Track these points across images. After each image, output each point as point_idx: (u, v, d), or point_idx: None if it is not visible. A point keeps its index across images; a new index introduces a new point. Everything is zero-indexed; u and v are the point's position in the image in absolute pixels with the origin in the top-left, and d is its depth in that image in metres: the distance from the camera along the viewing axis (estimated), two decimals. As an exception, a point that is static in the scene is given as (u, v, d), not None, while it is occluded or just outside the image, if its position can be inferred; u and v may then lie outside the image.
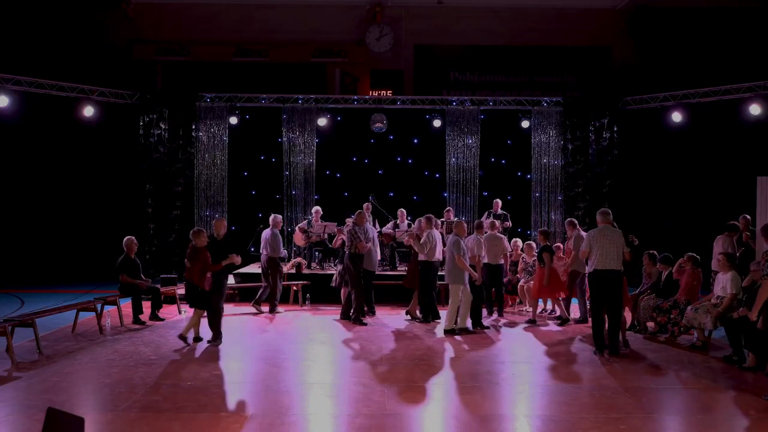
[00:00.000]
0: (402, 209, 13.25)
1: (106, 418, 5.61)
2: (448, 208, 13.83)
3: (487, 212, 13.36)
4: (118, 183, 15.00)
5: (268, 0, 15.93)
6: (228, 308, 11.31)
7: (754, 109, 13.16)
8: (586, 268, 8.58)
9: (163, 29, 15.87)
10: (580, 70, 16.12)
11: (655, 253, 9.45)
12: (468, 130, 15.23)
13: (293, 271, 12.24)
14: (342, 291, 10.76)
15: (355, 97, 15.40)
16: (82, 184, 14.92)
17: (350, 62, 15.95)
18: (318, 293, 11.76)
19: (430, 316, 10.11)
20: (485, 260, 10.04)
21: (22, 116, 13.86)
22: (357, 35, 16.10)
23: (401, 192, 15.48)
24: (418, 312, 10.31)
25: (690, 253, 8.93)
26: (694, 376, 7.06)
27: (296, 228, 13.19)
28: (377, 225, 12.77)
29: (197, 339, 8.45)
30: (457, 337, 8.99)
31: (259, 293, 11.06)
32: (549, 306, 10.97)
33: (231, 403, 6.22)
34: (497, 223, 11.22)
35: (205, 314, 8.46)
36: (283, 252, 11.37)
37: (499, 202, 13.53)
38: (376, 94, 15.64)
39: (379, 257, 11.10)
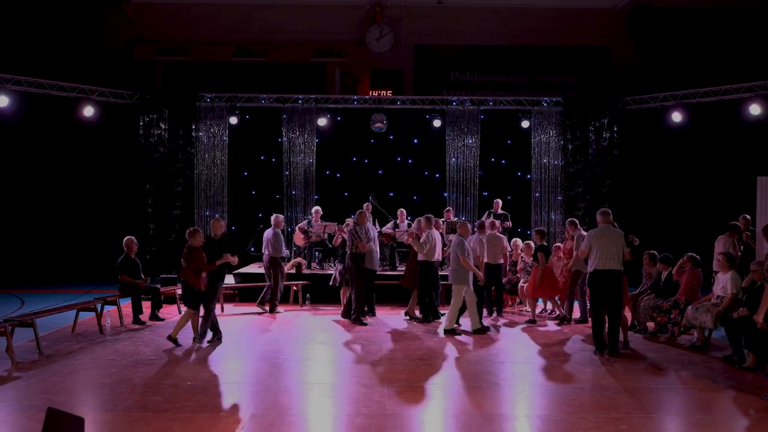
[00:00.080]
0: (402, 209, 13.25)
1: (106, 418, 5.61)
2: (448, 208, 13.84)
3: (487, 212, 13.36)
4: (118, 183, 15.00)
5: (268, 0, 15.93)
6: (228, 308, 11.35)
7: (754, 109, 13.16)
8: (587, 267, 8.58)
9: (163, 29, 15.87)
10: (580, 70, 16.12)
11: (656, 253, 9.45)
12: (468, 130, 15.23)
13: (293, 271, 12.24)
14: (342, 290, 10.77)
15: (355, 97, 15.40)
16: (82, 184, 14.91)
17: (350, 62, 15.95)
18: (318, 293, 11.76)
19: (430, 315, 10.11)
20: (485, 260, 10.07)
21: (22, 116, 13.86)
22: (357, 35, 16.10)
23: (401, 192, 15.48)
24: (417, 312, 10.31)
25: (690, 253, 8.93)
26: (694, 376, 7.06)
27: (296, 228, 13.18)
28: (377, 225, 12.76)
29: (171, 338, 8.30)
30: (457, 337, 8.99)
31: (263, 293, 11.07)
32: (549, 306, 10.97)
33: (231, 403, 6.22)
34: (497, 223, 11.23)
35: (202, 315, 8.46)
36: (285, 252, 11.38)
37: (500, 202, 13.53)
38: (376, 94, 15.64)
39: (378, 257, 11.09)
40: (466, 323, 9.78)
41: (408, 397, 6.31)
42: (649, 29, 15.76)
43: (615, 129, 14.88)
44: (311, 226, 12.75)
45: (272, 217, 11.32)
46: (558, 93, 15.52)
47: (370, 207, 12.85)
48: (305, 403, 6.26)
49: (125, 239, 10.19)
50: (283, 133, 15.18)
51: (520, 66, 16.14)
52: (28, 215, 14.63)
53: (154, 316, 10.13)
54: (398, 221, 13.00)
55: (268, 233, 11.07)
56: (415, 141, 15.93)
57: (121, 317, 9.76)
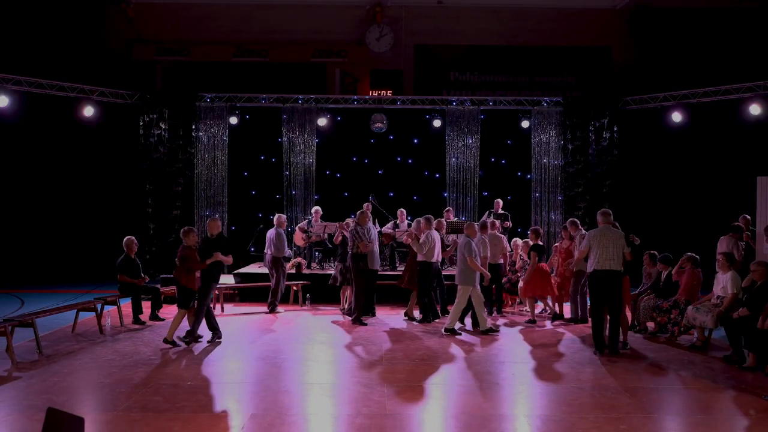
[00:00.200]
0: (402, 209, 13.25)
1: (106, 418, 5.61)
2: (448, 208, 13.83)
3: (488, 212, 13.36)
4: (118, 183, 15.00)
5: (268, 0, 15.93)
6: (228, 308, 11.35)
7: (754, 109, 13.16)
8: (587, 267, 8.57)
9: (163, 29, 15.88)
10: (580, 70, 16.13)
11: (656, 253, 9.45)
12: (468, 130, 15.23)
13: (293, 271, 12.24)
14: (342, 290, 10.76)
15: (355, 97, 15.41)
16: (82, 184, 14.92)
17: (350, 62, 15.95)
18: (318, 293, 11.76)
19: (430, 316, 10.11)
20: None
21: (22, 116, 13.86)
22: (357, 35, 16.11)
23: (401, 192, 15.48)
24: (416, 313, 10.31)
25: (689, 253, 8.93)
26: (694, 376, 7.06)
27: (296, 228, 13.18)
28: (377, 225, 12.76)
29: (167, 341, 8.29)
30: (457, 337, 8.98)
31: (270, 298, 11.06)
32: (550, 305, 10.96)
33: (231, 403, 6.22)
34: (497, 222, 11.25)
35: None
36: (288, 252, 11.39)
37: (500, 202, 13.53)
38: (376, 94, 15.65)
39: (378, 257, 11.09)
40: (466, 323, 9.80)
41: (408, 397, 6.32)
42: (649, 29, 15.76)
43: (615, 129, 14.88)
44: (311, 226, 12.75)
45: (275, 217, 11.34)
46: (558, 93, 15.52)
47: (370, 207, 12.84)
48: (305, 403, 6.25)
49: (125, 239, 10.19)
50: (283, 133, 15.18)
51: (520, 66, 16.14)
52: (28, 215, 14.64)
53: (154, 316, 10.13)
54: (398, 221, 13.00)
55: (270, 233, 11.08)
56: (415, 141, 15.93)
57: (121, 317, 9.76)
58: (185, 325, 8.48)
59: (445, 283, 10.67)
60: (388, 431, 5.39)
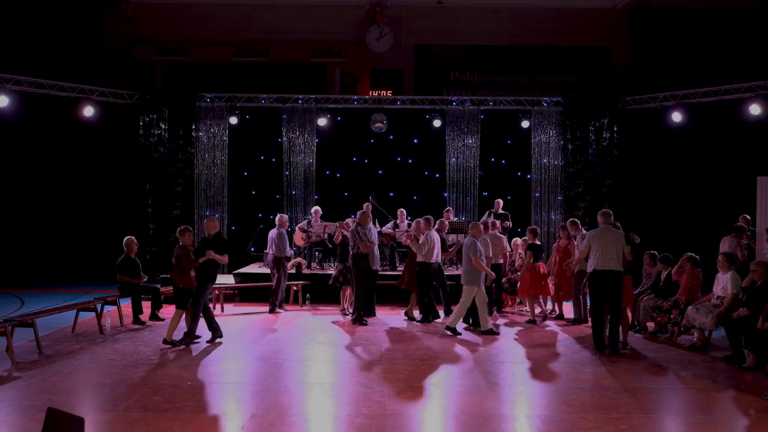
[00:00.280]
0: (402, 209, 13.24)
1: (106, 418, 5.61)
2: (448, 208, 13.83)
3: (488, 212, 13.35)
4: (118, 183, 15.00)
5: (268, 0, 15.93)
6: (228, 308, 11.35)
7: (754, 109, 13.15)
8: (587, 267, 8.57)
9: (163, 29, 15.88)
10: (580, 70, 16.13)
11: (656, 253, 9.45)
12: (468, 130, 15.23)
13: (293, 271, 12.25)
14: (342, 290, 10.76)
15: (355, 97, 15.40)
16: (82, 184, 14.92)
17: (350, 62, 15.95)
18: (318, 293, 11.76)
19: (430, 316, 10.12)
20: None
21: (22, 116, 13.86)
22: (357, 35, 16.11)
23: (401, 192, 15.48)
24: (416, 313, 10.32)
25: (689, 253, 8.93)
26: (694, 376, 7.06)
27: (296, 228, 13.19)
28: (377, 225, 12.76)
29: (166, 341, 8.29)
30: (457, 337, 8.98)
31: (271, 298, 11.07)
32: (549, 306, 10.97)
33: (231, 403, 6.22)
34: (497, 222, 11.25)
35: (201, 315, 8.43)
36: (290, 251, 11.40)
37: (501, 201, 13.52)
38: (376, 94, 15.64)
39: (378, 257, 11.10)
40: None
41: (408, 397, 6.32)
42: (649, 29, 15.76)
43: (615, 129, 14.88)
44: (311, 226, 12.75)
45: (277, 217, 11.36)
46: (558, 93, 15.52)
47: (370, 207, 12.84)
48: (305, 403, 6.25)
49: (125, 239, 10.19)
50: (283, 133, 15.18)
51: (520, 66, 16.15)
52: (28, 215, 14.64)
53: (154, 316, 10.13)
54: (398, 221, 13.00)
55: (272, 233, 11.09)
56: (415, 141, 15.93)
57: (121, 317, 9.76)
58: (185, 326, 8.47)
59: (448, 283, 10.68)
60: (388, 431, 5.39)
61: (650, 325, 9.33)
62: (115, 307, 9.91)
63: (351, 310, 10.38)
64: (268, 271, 12.05)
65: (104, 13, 15.74)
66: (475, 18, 16.04)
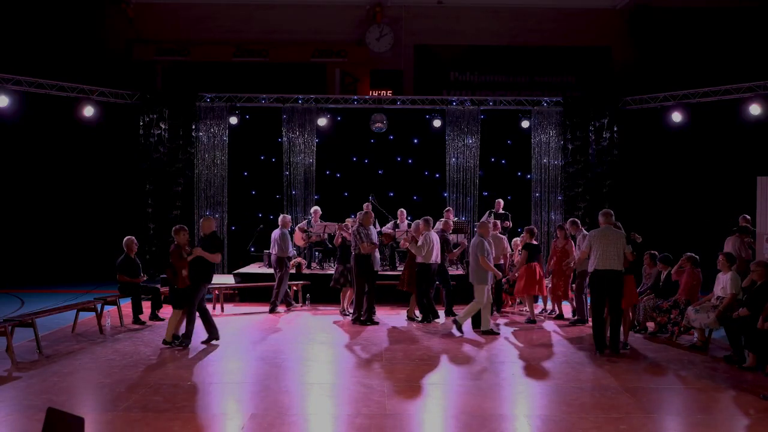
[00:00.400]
0: (402, 209, 13.24)
1: (106, 418, 5.61)
2: (448, 208, 13.81)
3: (488, 211, 13.35)
4: (118, 183, 15.00)
5: (268, 0, 15.93)
6: (228, 308, 11.35)
7: (754, 109, 13.15)
8: (588, 267, 8.57)
9: (163, 29, 15.87)
10: (580, 70, 16.13)
11: (656, 253, 9.46)
12: (468, 130, 15.23)
13: (293, 271, 12.25)
14: (342, 291, 10.75)
15: (355, 97, 15.40)
16: (82, 184, 14.92)
17: (350, 62, 15.95)
18: (318, 293, 11.76)
19: (430, 316, 10.13)
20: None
21: (22, 116, 13.86)
22: (357, 35, 16.11)
23: (401, 192, 15.47)
24: (416, 313, 10.33)
25: (689, 253, 8.94)
26: (694, 376, 7.06)
27: (296, 228, 13.19)
28: (377, 225, 12.76)
29: (166, 342, 8.27)
30: (457, 337, 8.99)
31: (272, 298, 11.07)
32: (549, 306, 10.98)
33: (231, 403, 6.22)
34: (497, 223, 11.25)
35: (198, 315, 8.40)
36: (292, 251, 11.40)
37: (501, 201, 13.52)
38: (376, 94, 15.64)
39: (378, 257, 11.11)
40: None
41: (408, 397, 6.32)
42: (649, 29, 15.76)
43: (615, 129, 14.87)
44: (311, 226, 12.75)
45: (280, 218, 11.41)
46: (558, 93, 15.52)
47: (370, 207, 12.85)
48: (305, 403, 6.26)
49: (125, 239, 10.19)
50: (283, 133, 15.18)
51: (520, 66, 16.14)
52: (28, 215, 14.64)
53: (154, 316, 10.14)
54: (398, 221, 13.00)
55: (275, 233, 11.12)
56: (415, 141, 15.92)
57: (121, 317, 9.76)
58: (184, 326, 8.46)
59: (452, 283, 10.68)
60: (388, 431, 5.39)
61: (650, 325, 9.33)
62: (115, 307, 9.92)
63: (351, 311, 10.39)
64: (267, 271, 12.08)
65: (104, 13, 15.74)
66: (475, 18, 16.04)
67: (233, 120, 15.12)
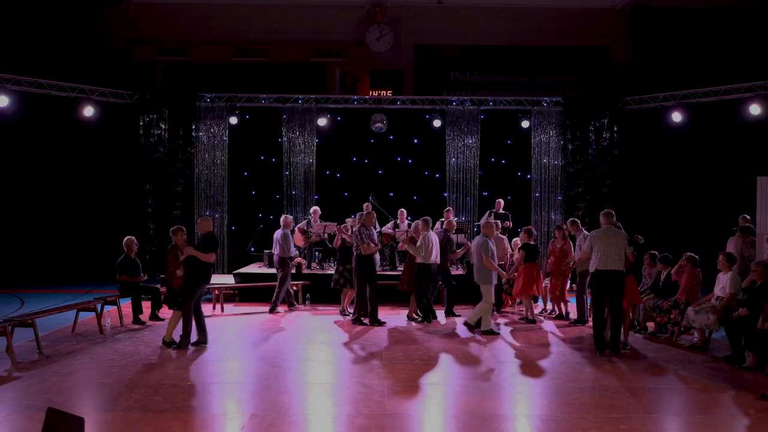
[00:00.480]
0: (402, 209, 13.24)
1: (106, 418, 5.61)
2: (448, 208, 13.81)
3: (488, 211, 13.36)
4: (118, 183, 15.00)
5: (268, 0, 15.93)
6: (228, 308, 11.35)
7: (754, 109, 13.15)
8: (589, 267, 8.57)
9: (163, 29, 15.87)
10: (580, 70, 16.13)
11: (656, 253, 9.46)
12: (468, 130, 15.23)
13: (293, 271, 12.25)
14: (343, 292, 10.74)
15: (355, 97, 15.40)
16: (82, 184, 14.91)
17: (350, 62, 15.95)
18: (318, 293, 11.76)
19: (430, 316, 10.13)
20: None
21: (22, 116, 13.85)
22: (357, 35, 16.10)
23: (401, 192, 15.47)
24: (416, 313, 10.32)
25: (689, 253, 8.94)
26: (694, 376, 7.06)
27: (296, 229, 13.19)
28: (377, 225, 12.76)
29: (165, 342, 8.26)
30: (457, 337, 8.99)
31: (273, 297, 11.07)
32: (549, 306, 10.98)
33: (231, 403, 6.22)
34: (498, 223, 11.25)
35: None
36: (294, 252, 11.40)
37: (501, 201, 13.52)
38: (376, 94, 15.64)
39: (378, 257, 11.12)
40: (462, 322, 9.79)
41: (408, 397, 6.32)
42: (649, 29, 15.76)
43: (615, 129, 14.87)
44: (310, 227, 12.76)
45: (282, 218, 11.42)
46: (558, 93, 15.52)
47: (370, 207, 12.86)
48: (305, 403, 6.26)
49: (125, 239, 10.19)
50: (283, 133, 15.17)
51: (520, 66, 16.14)
52: (28, 215, 14.64)
53: (154, 316, 10.14)
54: (398, 221, 13.00)
55: (277, 233, 11.13)
56: (415, 141, 15.92)
57: (121, 317, 9.76)
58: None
59: (453, 283, 10.68)
60: (388, 431, 5.39)
61: (650, 325, 9.33)
62: (115, 307, 9.92)
63: (351, 311, 10.39)
64: (267, 271, 12.07)
65: (104, 13, 15.72)
66: (475, 18, 16.03)
67: (233, 120, 15.12)
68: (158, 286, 11.02)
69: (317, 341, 8.84)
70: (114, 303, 9.82)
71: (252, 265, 13.65)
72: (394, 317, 10.50)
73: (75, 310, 9.32)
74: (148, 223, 14.63)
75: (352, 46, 16.01)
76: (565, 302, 10.46)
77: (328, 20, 15.98)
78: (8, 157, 14.32)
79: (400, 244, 10.97)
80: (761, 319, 7.07)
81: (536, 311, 10.76)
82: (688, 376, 7.07)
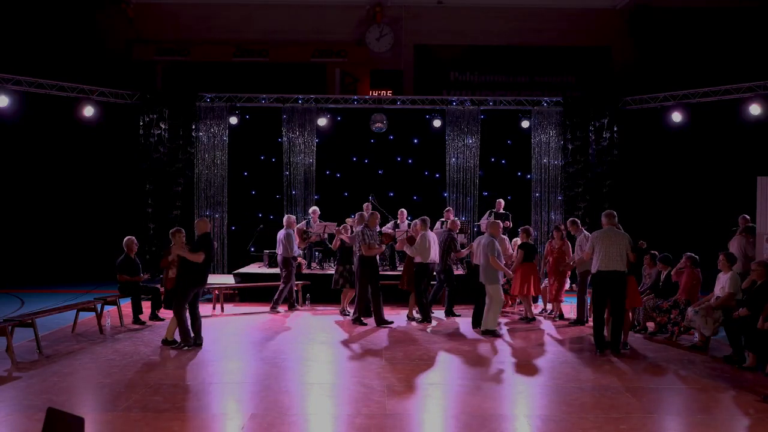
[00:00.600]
0: (403, 209, 13.23)
1: (106, 418, 5.61)
2: (448, 208, 13.81)
3: (489, 211, 13.36)
4: (118, 183, 15.00)
5: (268, 0, 15.93)
6: (228, 308, 11.35)
7: (754, 109, 13.15)
8: (591, 268, 8.57)
9: (163, 29, 15.87)
10: (580, 70, 16.13)
11: (656, 253, 9.46)
12: (468, 130, 15.23)
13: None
14: (343, 292, 10.74)
15: (355, 97, 15.40)
16: (82, 184, 14.91)
17: (350, 62, 15.95)
18: (318, 293, 11.76)
19: (429, 316, 10.13)
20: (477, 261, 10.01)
21: (22, 116, 13.86)
22: (357, 35, 16.10)
23: (401, 192, 15.47)
24: (415, 313, 10.33)
25: (689, 253, 8.94)
26: (694, 376, 7.06)
27: (294, 230, 13.19)
28: (377, 225, 12.75)
29: (165, 341, 8.25)
30: (457, 338, 8.98)
31: (276, 295, 11.07)
32: (549, 306, 10.98)
33: (231, 403, 6.22)
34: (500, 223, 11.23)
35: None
36: (298, 251, 11.40)
37: (502, 201, 13.51)
38: (376, 94, 15.64)
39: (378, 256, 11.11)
40: (463, 322, 9.80)
41: (408, 397, 6.32)
42: (649, 29, 15.76)
43: (615, 129, 14.88)
44: (310, 227, 12.75)
45: (284, 218, 11.44)
46: (558, 93, 15.52)
47: (370, 207, 12.86)
48: (305, 403, 6.25)
49: (125, 239, 10.19)
50: (283, 133, 15.18)
51: (520, 66, 16.14)
52: (28, 215, 14.64)
53: (154, 316, 10.14)
54: (398, 221, 13.00)
55: (280, 234, 11.14)
56: (415, 141, 15.92)
57: (121, 317, 9.76)
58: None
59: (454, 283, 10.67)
60: (388, 431, 5.39)
61: (650, 325, 9.33)
62: (115, 307, 9.92)
63: (351, 311, 10.39)
64: (267, 271, 12.05)
65: (104, 13, 15.73)
66: (475, 18, 16.03)
67: (233, 120, 15.12)
68: (158, 286, 11.01)
69: (317, 341, 8.83)
70: (114, 303, 9.82)
71: (252, 265, 13.65)
72: (394, 317, 10.48)
73: (75, 310, 9.32)
74: (148, 223, 14.64)
75: (352, 46, 16.01)
76: (558, 302, 10.46)
77: (328, 20, 15.99)
78: (8, 157, 14.32)
79: (398, 245, 10.96)
80: (761, 319, 7.07)
81: (536, 311, 10.76)
82: (688, 376, 7.07)
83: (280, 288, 11.05)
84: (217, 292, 11.24)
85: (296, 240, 12.91)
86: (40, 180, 14.74)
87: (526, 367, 7.52)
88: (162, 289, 10.81)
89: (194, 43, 15.77)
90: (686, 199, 14.68)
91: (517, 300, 11.37)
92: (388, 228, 12.76)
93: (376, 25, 15.96)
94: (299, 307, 11.42)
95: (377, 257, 10.12)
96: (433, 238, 10.03)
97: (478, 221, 13.88)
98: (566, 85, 16.03)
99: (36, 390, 6.34)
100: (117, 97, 14.77)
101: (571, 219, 10.74)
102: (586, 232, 10.05)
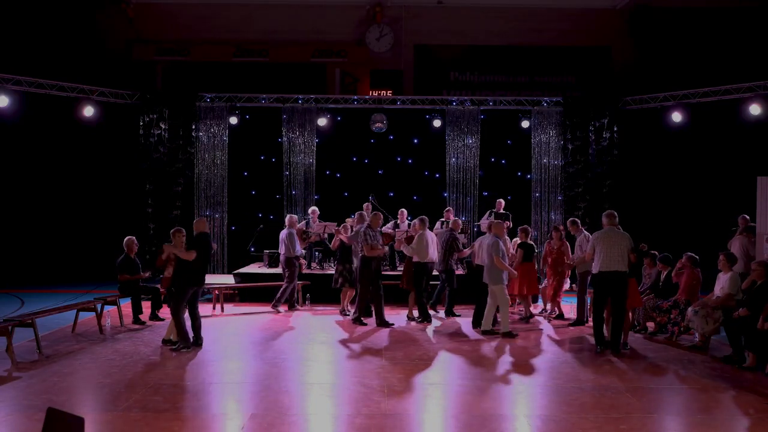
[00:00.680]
0: (403, 209, 13.23)
1: (106, 418, 5.61)
2: (448, 208, 13.81)
3: (489, 211, 13.35)
4: (118, 183, 15.00)
5: (268, 0, 15.93)
6: (228, 308, 11.35)
7: (754, 109, 13.15)
8: (592, 268, 8.57)
9: (163, 29, 15.88)
10: (580, 70, 16.13)
11: (656, 253, 9.46)
12: (468, 130, 15.23)
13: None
14: (343, 291, 10.74)
15: (355, 97, 15.40)
16: (82, 184, 14.92)
17: (350, 62, 15.95)
18: (318, 293, 11.76)
19: (429, 316, 10.13)
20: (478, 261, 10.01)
21: (22, 116, 13.86)
22: (357, 35, 16.11)
23: (401, 192, 15.47)
24: (415, 313, 10.33)
25: (688, 253, 8.94)
26: (694, 376, 7.06)
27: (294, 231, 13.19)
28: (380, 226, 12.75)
29: (165, 341, 8.27)
30: (457, 337, 8.98)
31: (278, 294, 11.07)
32: (549, 306, 10.97)
33: (231, 403, 6.22)
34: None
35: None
36: (300, 251, 11.41)
37: (502, 201, 13.50)
38: (376, 94, 15.64)
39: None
40: (463, 322, 9.80)
41: (408, 397, 6.32)
42: (649, 29, 15.76)
43: (615, 129, 14.88)
44: (310, 227, 12.75)
45: (286, 218, 11.47)
46: (558, 93, 15.52)
47: (370, 207, 12.86)
48: (305, 403, 6.25)
49: (125, 239, 10.19)
50: (283, 133, 15.18)
51: (520, 66, 16.15)
52: (28, 215, 14.64)
53: (154, 316, 10.14)
54: (399, 221, 13.00)
55: (283, 233, 11.15)
56: (415, 141, 15.92)
57: (121, 317, 9.76)
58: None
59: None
60: (388, 431, 5.39)
61: (650, 325, 9.33)
62: (115, 307, 9.92)
63: (351, 311, 10.39)
64: (267, 271, 12.04)
65: (104, 13, 15.73)
66: (475, 18, 16.04)
67: (233, 120, 15.12)
68: (158, 286, 11.02)
69: (317, 341, 8.83)
70: (114, 303, 9.82)
71: (252, 265, 13.65)
72: (394, 317, 10.49)
73: (75, 310, 9.32)
74: (148, 223, 14.64)
75: (352, 46, 16.01)
76: (557, 302, 10.45)
77: (328, 20, 15.99)
78: (8, 157, 14.32)
79: (396, 245, 10.96)
80: (761, 319, 7.07)
81: (536, 311, 10.76)
82: (688, 376, 7.07)
83: (284, 287, 11.05)
84: (217, 292, 11.24)
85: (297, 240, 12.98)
86: (41, 180, 14.74)
87: (526, 367, 7.52)
88: (163, 289, 10.87)
89: (194, 43, 15.77)
90: (686, 199, 14.68)
91: (517, 300, 11.38)
92: (388, 228, 12.76)
93: (376, 25, 15.96)
94: (299, 307, 11.43)
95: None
96: (432, 238, 10.03)
97: (478, 221, 13.87)
98: (566, 85, 16.03)
99: (36, 390, 6.34)
100: (117, 97, 14.77)
101: (571, 219, 10.74)
102: (586, 232, 10.05)
